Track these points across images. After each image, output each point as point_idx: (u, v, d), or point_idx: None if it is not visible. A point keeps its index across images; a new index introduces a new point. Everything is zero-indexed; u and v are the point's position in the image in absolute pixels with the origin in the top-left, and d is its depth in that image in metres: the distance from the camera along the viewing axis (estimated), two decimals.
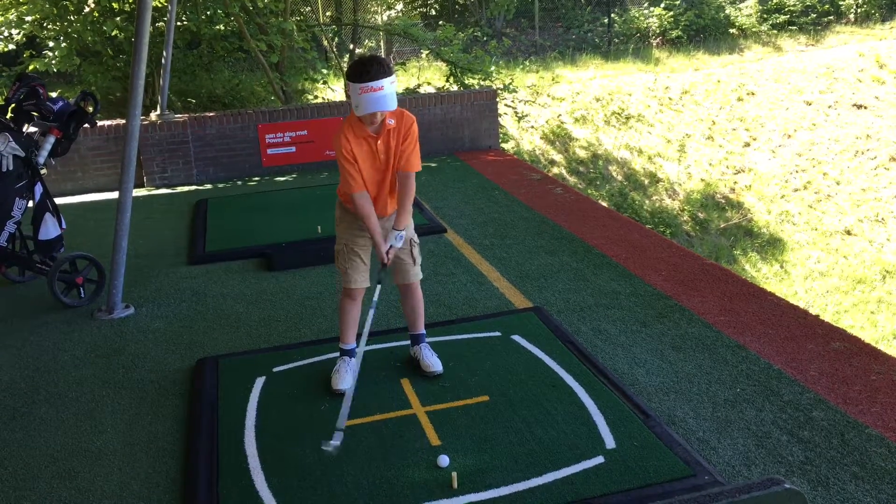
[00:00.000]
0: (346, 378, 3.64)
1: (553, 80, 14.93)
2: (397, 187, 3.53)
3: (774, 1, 18.48)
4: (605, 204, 10.00)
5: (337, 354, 3.82)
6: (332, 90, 14.00)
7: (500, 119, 10.55)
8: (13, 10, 9.82)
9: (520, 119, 13.15)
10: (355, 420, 3.43)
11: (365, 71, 3.17)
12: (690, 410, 3.46)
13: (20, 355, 4.40)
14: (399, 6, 18.73)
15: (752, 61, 16.26)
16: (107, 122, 8.52)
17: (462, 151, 9.25)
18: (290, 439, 3.32)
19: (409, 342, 3.95)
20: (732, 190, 13.24)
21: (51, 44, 10.33)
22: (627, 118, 14.21)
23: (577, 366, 3.81)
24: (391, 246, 3.51)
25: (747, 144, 14.04)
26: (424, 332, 3.86)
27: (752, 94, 14.91)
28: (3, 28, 9.93)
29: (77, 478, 3.21)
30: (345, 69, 13.15)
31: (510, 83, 12.60)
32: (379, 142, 3.38)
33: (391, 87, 3.21)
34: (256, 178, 8.61)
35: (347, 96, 3.27)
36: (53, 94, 5.36)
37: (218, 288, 5.28)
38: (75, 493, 3.10)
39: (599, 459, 3.06)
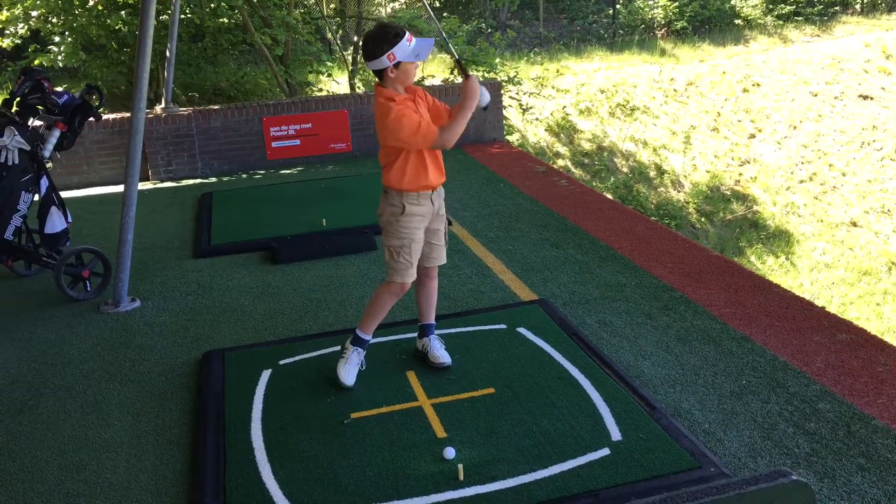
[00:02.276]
0: (355, 373, 3.66)
1: (557, 72, 14.89)
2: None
3: None
4: (610, 196, 9.98)
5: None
6: (337, 83, 13.99)
7: (504, 111, 10.53)
8: (19, 6, 9.83)
9: (524, 111, 13.12)
10: (362, 412, 3.44)
11: (394, 30, 3.25)
12: (696, 402, 3.46)
13: (27, 349, 4.42)
14: None
15: (758, 52, 16.20)
16: (112, 116, 8.52)
17: (466, 144, 9.23)
18: (297, 431, 3.33)
19: (414, 335, 3.95)
20: (738, 182, 13.21)
21: (56, 38, 10.33)
22: (632, 110, 14.17)
23: (583, 358, 3.81)
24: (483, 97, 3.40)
25: (753, 136, 14.00)
26: (435, 322, 3.84)
27: (758, 85, 14.86)
28: (9, 24, 9.94)
29: (84, 470, 3.22)
30: (348, 62, 13.15)
31: (515, 75, 12.57)
32: (412, 101, 3.38)
33: None
34: (261, 172, 8.61)
35: (393, 67, 3.26)
36: (59, 89, 5.35)
37: (223, 281, 5.29)
38: (83, 486, 3.12)
39: (605, 451, 3.07)
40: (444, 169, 3.52)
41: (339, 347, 3.88)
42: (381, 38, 3.26)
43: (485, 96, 3.41)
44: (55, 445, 3.42)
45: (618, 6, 18.93)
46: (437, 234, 3.62)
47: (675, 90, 14.73)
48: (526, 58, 15.93)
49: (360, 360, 3.66)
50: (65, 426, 3.57)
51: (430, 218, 3.53)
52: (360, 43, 3.35)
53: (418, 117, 3.29)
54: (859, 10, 18.80)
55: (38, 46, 10.54)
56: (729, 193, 12.98)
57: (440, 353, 3.76)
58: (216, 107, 8.83)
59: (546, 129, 13.64)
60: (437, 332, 3.88)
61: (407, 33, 3.26)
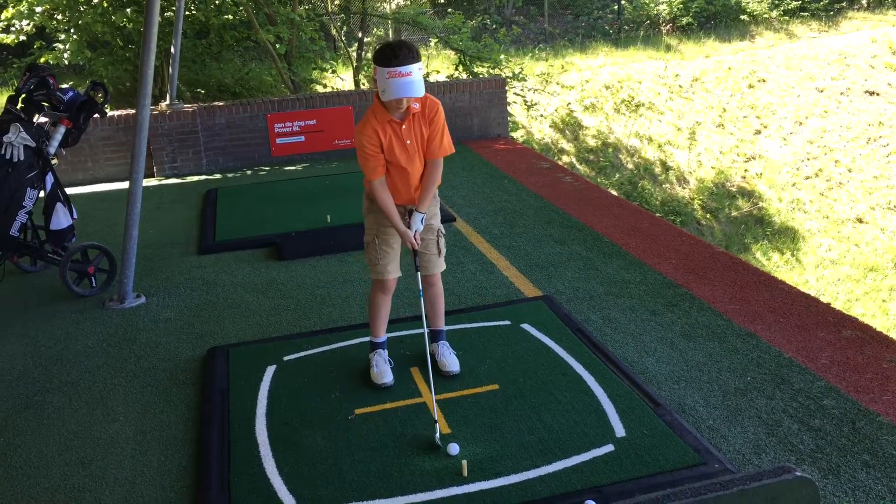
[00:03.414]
0: (386, 371, 3.62)
1: (562, 68, 14.86)
2: (423, 172, 3.47)
3: None
4: (614, 192, 9.96)
5: (347, 343, 3.82)
6: (342, 79, 13.98)
7: (509, 108, 10.51)
8: (24, 2, 9.85)
9: (529, 108, 13.10)
10: (366, 408, 3.44)
11: (394, 55, 3.10)
12: (700, 399, 3.45)
13: (33, 345, 4.43)
14: None
15: (764, 48, 16.13)
16: (117, 112, 8.54)
17: (471, 140, 9.23)
18: (301, 427, 3.33)
19: (418, 331, 3.94)
20: (743, 178, 13.17)
21: (62, 36, 10.35)
22: (637, 106, 14.13)
23: (587, 354, 3.81)
24: (416, 231, 3.45)
25: (758, 132, 13.95)
26: (444, 329, 3.80)
27: (764, 81, 14.80)
28: (14, 20, 9.96)
29: (90, 465, 3.23)
30: (353, 58, 13.14)
31: (519, 71, 12.54)
32: (404, 126, 3.32)
33: (419, 73, 3.15)
34: (266, 168, 8.62)
35: (374, 81, 3.21)
36: (64, 86, 5.36)
37: (228, 277, 5.30)
38: (88, 481, 3.13)
39: (609, 447, 3.07)
40: (412, 196, 3.47)
41: (343, 343, 3.89)
42: (378, 51, 3.19)
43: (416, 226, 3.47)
44: (61, 441, 3.43)
45: (623, 2, 18.88)
46: (424, 242, 3.58)
47: (680, 86, 14.69)
48: (531, 54, 15.90)
49: (385, 359, 3.67)
50: (70, 422, 3.58)
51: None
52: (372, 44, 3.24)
53: (370, 154, 3.31)
54: (865, 5, 18.71)
55: (44, 43, 10.56)
56: (734, 190, 12.94)
57: (448, 361, 3.72)
58: (221, 103, 8.84)
59: (551, 126, 13.62)
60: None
61: (396, 69, 3.08)
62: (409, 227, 3.46)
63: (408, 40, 3.28)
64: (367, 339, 3.86)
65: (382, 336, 3.69)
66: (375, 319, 3.66)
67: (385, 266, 3.55)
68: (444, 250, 3.66)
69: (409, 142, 3.35)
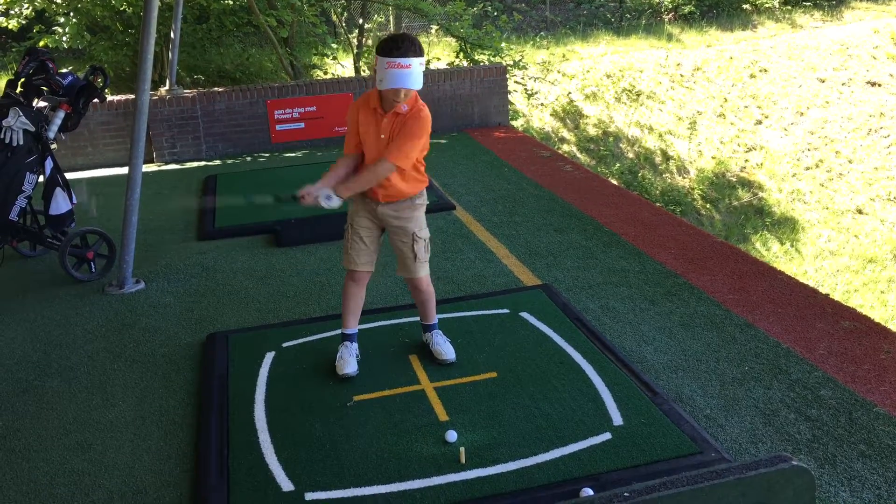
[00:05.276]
0: (350, 362, 3.61)
1: (563, 56, 14.81)
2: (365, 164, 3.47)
3: None
4: (615, 182, 9.95)
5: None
6: (342, 66, 13.94)
7: (509, 96, 10.48)
8: None
9: (530, 96, 13.06)
10: (364, 395, 3.45)
11: (395, 46, 3.15)
12: (698, 388, 3.46)
13: (32, 329, 4.44)
14: None
15: (766, 38, 16.08)
16: (116, 97, 8.52)
17: (471, 128, 9.21)
18: (300, 413, 3.34)
19: (417, 318, 3.95)
20: (744, 168, 13.16)
21: (61, 19, 10.31)
22: (638, 95, 14.10)
23: (585, 343, 3.82)
24: (317, 196, 3.38)
25: (759, 122, 13.92)
26: (436, 321, 3.80)
27: (765, 71, 14.76)
28: (14, 4, 9.92)
29: (89, 450, 3.25)
30: (353, 45, 13.10)
31: (520, 59, 12.50)
32: (385, 119, 3.32)
33: (419, 67, 3.18)
34: (265, 154, 8.61)
35: (373, 70, 3.25)
36: (63, 70, 5.34)
37: (227, 263, 5.30)
38: (87, 465, 3.14)
39: (607, 436, 3.08)
40: (390, 191, 3.44)
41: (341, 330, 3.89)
42: (382, 41, 3.24)
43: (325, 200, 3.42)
44: (60, 425, 3.44)
45: None
46: (397, 246, 3.58)
47: (681, 75, 14.65)
48: (532, 42, 15.84)
49: (353, 352, 3.66)
50: (70, 406, 3.59)
51: (372, 218, 3.54)
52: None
53: (348, 128, 3.48)
54: None
55: (43, 27, 10.52)
56: (734, 180, 12.94)
57: (444, 349, 3.71)
58: (220, 89, 8.81)
59: (551, 114, 13.59)
60: (441, 315, 3.88)
61: (396, 59, 3.11)
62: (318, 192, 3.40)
63: (412, 35, 3.30)
64: (366, 326, 3.86)
65: (352, 328, 3.68)
66: (345, 310, 3.67)
67: (353, 257, 3.58)
68: (420, 256, 3.58)
69: (382, 136, 3.36)
